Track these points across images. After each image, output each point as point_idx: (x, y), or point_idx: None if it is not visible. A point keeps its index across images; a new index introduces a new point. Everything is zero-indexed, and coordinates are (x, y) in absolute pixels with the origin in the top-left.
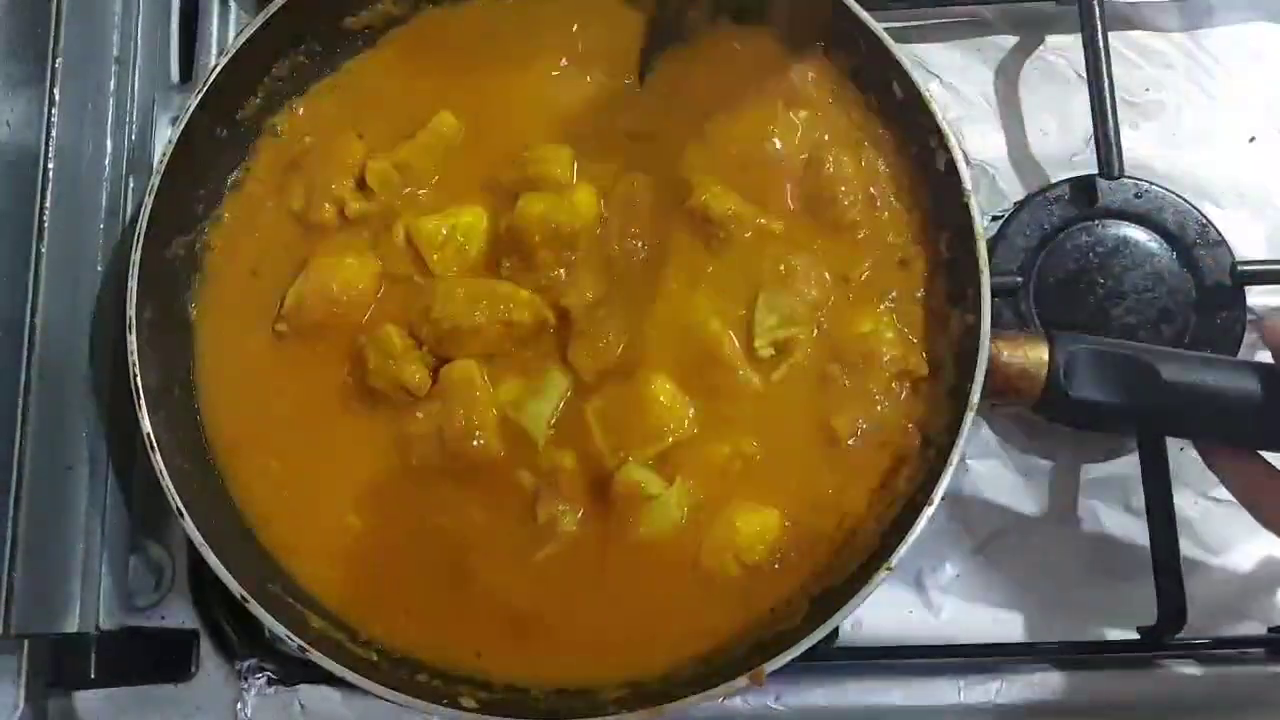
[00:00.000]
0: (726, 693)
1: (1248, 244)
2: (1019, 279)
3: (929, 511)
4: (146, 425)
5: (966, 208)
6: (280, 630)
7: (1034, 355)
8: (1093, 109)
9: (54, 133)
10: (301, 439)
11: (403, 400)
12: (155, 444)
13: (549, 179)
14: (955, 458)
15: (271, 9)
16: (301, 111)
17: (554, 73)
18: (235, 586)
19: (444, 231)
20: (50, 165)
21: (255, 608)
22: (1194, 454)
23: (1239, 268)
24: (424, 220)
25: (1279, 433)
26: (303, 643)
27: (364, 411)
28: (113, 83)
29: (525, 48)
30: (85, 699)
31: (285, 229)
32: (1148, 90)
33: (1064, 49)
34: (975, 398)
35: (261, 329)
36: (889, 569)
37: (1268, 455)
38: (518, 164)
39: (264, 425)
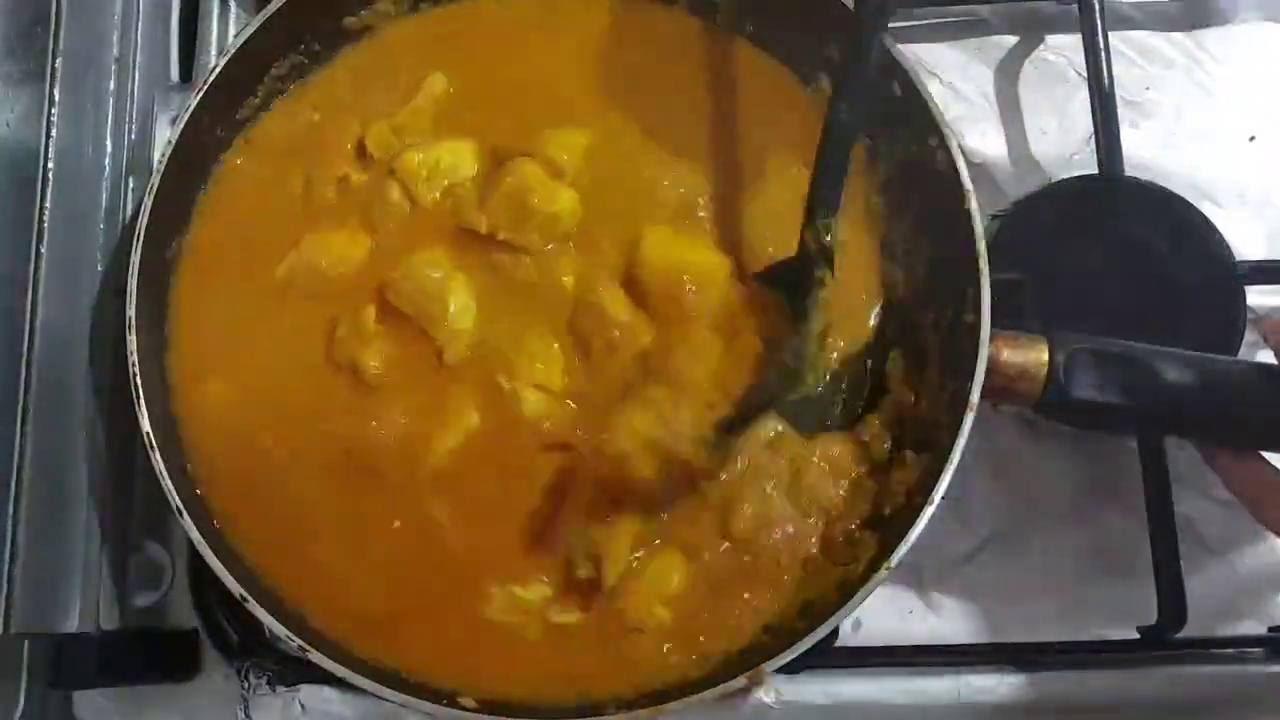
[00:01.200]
0: (725, 693)
1: (1248, 243)
2: (1019, 278)
3: (929, 512)
4: (145, 424)
5: (966, 208)
6: (279, 630)
7: (1034, 356)
8: (1093, 108)
9: (54, 133)
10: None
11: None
12: (154, 443)
13: (552, 161)
14: (955, 459)
15: (271, 9)
16: (301, 96)
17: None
18: (234, 585)
19: (430, 162)
20: (50, 165)
21: (254, 607)
22: (1194, 453)
23: (1239, 267)
24: (409, 154)
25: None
26: (302, 642)
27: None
28: (112, 82)
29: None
30: (85, 699)
31: (282, 211)
32: (1148, 89)
33: (1064, 48)
34: (974, 398)
35: (248, 305)
36: (888, 569)
37: (1268, 455)
38: (524, 139)
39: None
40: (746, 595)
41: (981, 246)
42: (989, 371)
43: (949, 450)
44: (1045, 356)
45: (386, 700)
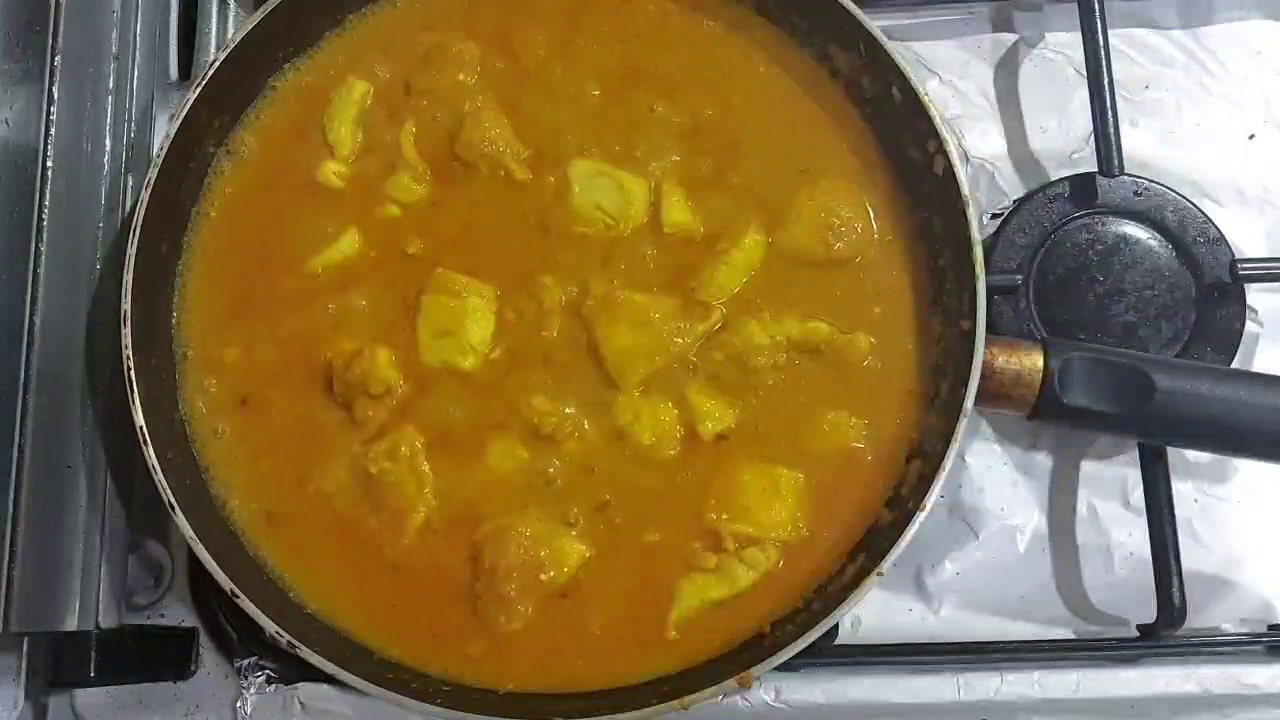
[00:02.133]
0: (712, 695)
1: (1247, 241)
2: (1018, 277)
3: (920, 517)
4: (139, 419)
5: (964, 213)
6: (269, 626)
7: (1029, 362)
8: (1092, 106)
9: (53, 130)
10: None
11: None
12: (148, 438)
13: None
14: (948, 464)
15: (269, 6)
16: (300, 90)
17: None
18: (225, 581)
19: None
20: (49, 163)
21: (245, 603)
22: (1193, 452)
23: (1238, 265)
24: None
25: (1273, 443)
26: (291, 638)
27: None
28: (111, 80)
29: None
30: (85, 697)
31: (283, 203)
32: (1147, 88)
33: (1064, 46)
34: (969, 404)
35: (253, 298)
36: (880, 574)
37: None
38: None
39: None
40: None
41: (978, 253)
42: (983, 378)
43: (943, 455)
44: (1040, 363)
45: (379, 698)
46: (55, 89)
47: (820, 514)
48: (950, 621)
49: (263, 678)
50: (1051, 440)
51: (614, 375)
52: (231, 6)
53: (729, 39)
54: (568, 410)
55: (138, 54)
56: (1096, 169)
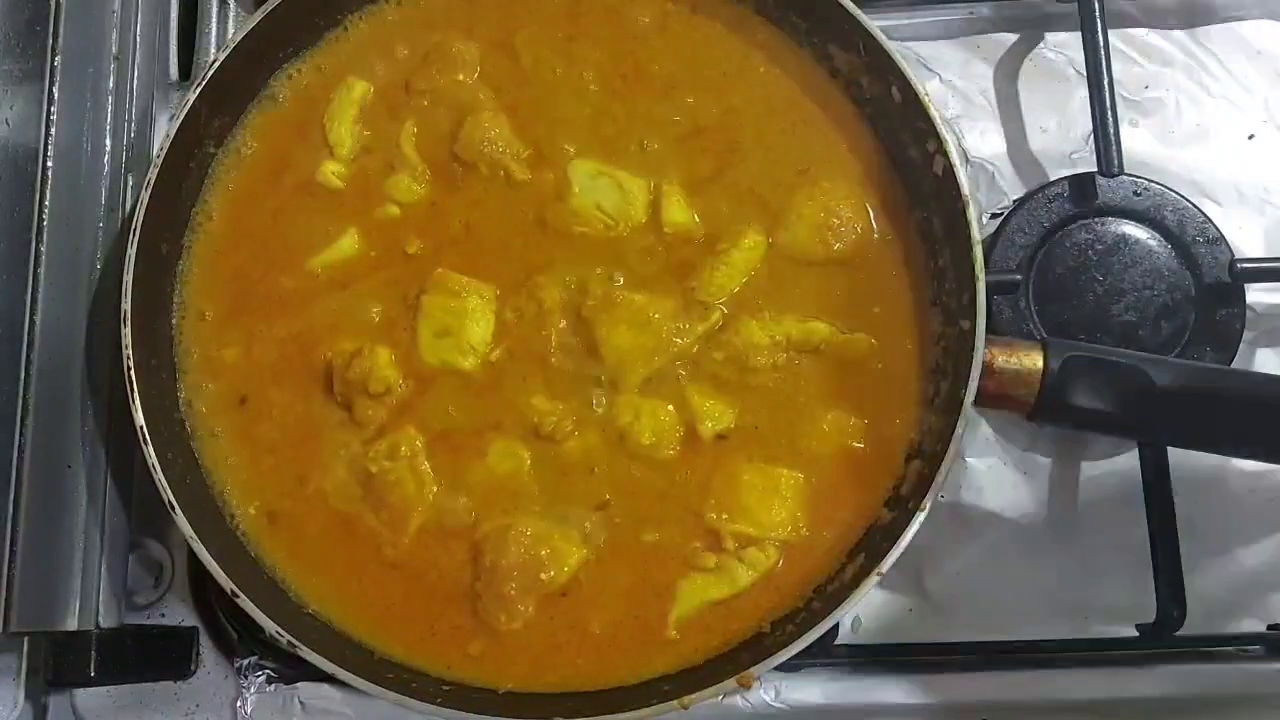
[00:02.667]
0: (712, 695)
1: (1247, 241)
2: (1018, 277)
3: (920, 517)
4: (139, 418)
5: (964, 213)
6: (269, 625)
7: (1029, 362)
8: (1092, 106)
9: (53, 130)
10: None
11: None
12: (148, 438)
13: None
14: (948, 464)
15: (269, 7)
16: (300, 90)
17: None
18: (225, 581)
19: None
20: (49, 163)
21: (245, 603)
22: (1193, 452)
23: (1238, 265)
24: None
25: (1273, 443)
26: (291, 638)
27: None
28: (112, 80)
29: None
30: (85, 697)
31: (284, 203)
32: (1147, 88)
33: (1064, 46)
34: (968, 404)
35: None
36: (880, 574)
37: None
38: None
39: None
40: None
41: (978, 252)
42: (983, 378)
43: (943, 455)
44: (1040, 363)
45: (380, 698)
46: (55, 89)
47: (820, 514)
48: (950, 622)
49: (263, 678)
50: (1051, 440)
51: (614, 375)
52: (231, 6)
53: (729, 39)
54: (567, 410)
55: (138, 54)
56: (1096, 169)
